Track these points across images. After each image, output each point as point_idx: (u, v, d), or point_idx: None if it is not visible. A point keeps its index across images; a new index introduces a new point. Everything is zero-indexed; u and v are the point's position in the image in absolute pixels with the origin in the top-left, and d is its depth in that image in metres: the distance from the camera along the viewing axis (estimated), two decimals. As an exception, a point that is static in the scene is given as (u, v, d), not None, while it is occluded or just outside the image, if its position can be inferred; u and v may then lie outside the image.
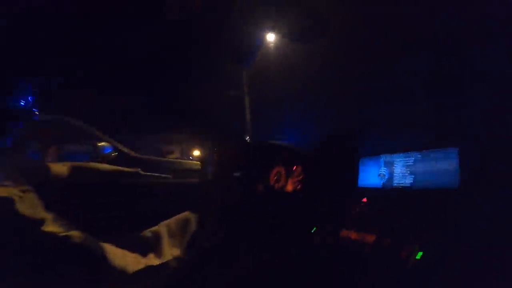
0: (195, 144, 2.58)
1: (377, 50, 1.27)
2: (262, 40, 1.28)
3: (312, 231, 1.04)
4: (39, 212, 0.99)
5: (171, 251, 1.26)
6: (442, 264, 0.79)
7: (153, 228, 1.33)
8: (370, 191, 1.14)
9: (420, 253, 0.81)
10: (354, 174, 1.19)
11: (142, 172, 1.54)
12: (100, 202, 1.36)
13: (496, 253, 0.77)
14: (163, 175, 1.60)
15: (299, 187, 1.19)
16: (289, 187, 1.20)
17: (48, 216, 1.00)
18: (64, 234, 1.02)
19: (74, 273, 0.96)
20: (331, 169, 1.19)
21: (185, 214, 1.38)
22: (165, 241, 1.28)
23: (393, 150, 1.14)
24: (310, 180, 1.15)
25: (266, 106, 1.70)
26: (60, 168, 1.31)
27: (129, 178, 1.50)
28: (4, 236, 0.93)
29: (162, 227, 1.33)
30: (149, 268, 1.13)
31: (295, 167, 1.20)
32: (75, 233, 1.04)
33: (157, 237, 1.29)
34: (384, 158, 1.18)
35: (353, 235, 0.97)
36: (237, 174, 1.27)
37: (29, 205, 0.99)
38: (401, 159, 1.11)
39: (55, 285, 0.93)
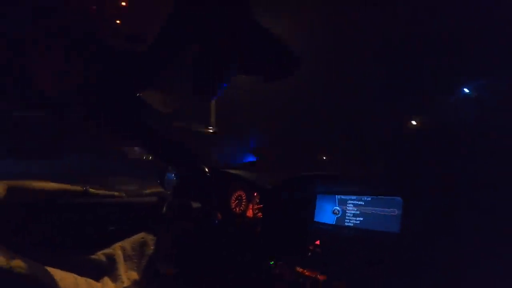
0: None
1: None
2: (230, 78, 1.37)
3: (271, 263, 1.16)
4: None
5: (127, 275, 1.25)
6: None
7: (107, 250, 1.29)
8: (325, 226, 1.34)
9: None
10: (311, 210, 1.37)
11: (93, 190, 1.46)
12: (44, 224, 1.25)
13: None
14: (116, 193, 1.53)
15: (259, 214, 1.33)
16: (250, 213, 1.33)
17: None
18: (5, 265, 0.93)
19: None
20: (289, 203, 1.34)
21: (141, 235, 1.37)
22: (121, 264, 1.26)
23: (347, 192, 1.34)
24: (270, 210, 1.28)
25: (229, 135, 1.79)
26: (-4, 187, 1.16)
27: (77, 197, 1.40)
28: None
29: (117, 250, 1.30)
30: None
31: (255, 193, 1.33)
32: (17, 263, 0.96)
33: (111, 259, 1.26)
34: (338, 197, 1.38)
35: (307, 272, 1.12)
36: (197, 200, 1.33)
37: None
38: (353, 200, 1.34)
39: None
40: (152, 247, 1.35)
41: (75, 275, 1.14)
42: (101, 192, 1.49)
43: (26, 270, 1.01)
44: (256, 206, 1.36)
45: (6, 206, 1.17)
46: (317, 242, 1.26)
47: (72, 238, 1.30)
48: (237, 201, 1.40)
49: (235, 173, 1.43)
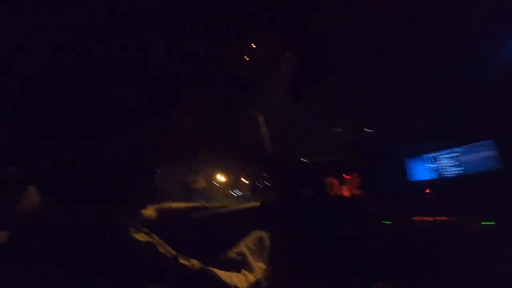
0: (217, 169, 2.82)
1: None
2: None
3: (386, 222, 1.34)
4: (169, 249, 1.22)
5: (257, 265, 1.53)
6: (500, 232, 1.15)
7: (235, 249, 1.60)
8: (428, 182, 1.51)
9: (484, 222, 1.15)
10: (404, 173, 1.54)
11: (207, 204, 1.80)
12: (186, 235, 1.58)
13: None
14: (223, 204, 1.87)
15: (356, 192, 1.54)
16: (346, 193, 1.55)
17: (174, 252, 1.24)
18: (188, 264, 1.26)
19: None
20: (381, 172, 1.53)
21: (257, 233, 1.67)
22: (250, 258, 1.55)
23: (438, 148, 1.53)
24: (366, 185, 1.49)
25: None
26: (150, 212, 1.52)
27: (199, 211, 1.75)
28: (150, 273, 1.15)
29: (243, 247, 1.60)
30: (255, 283, 1.40)
31: (347, 176, 1.56)
32: (194, 261, 1.29)
33: (242, 255, 1.56)
34: (433, 155, 1.56)
35: (425, 218, 1.28)
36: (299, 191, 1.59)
37: (159, 245, 1.22)
38: (445, 154, 1.51)
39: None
40: (267, 241, 1.63)
41: (225, 271, 1.46)
42: (215, 205, 1.84)
43: (200, 267, 1.33)
44: (350, 186, 1.57)
45: (158, 226, 1.53)
46: (427, 191, 1.42)
47: (207, 243, 1.63)
48: (332, 186, 1.63)
49: (321, 162, 1.67)
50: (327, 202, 1.59)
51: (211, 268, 1.37)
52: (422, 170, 1.64)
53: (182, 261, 1.23)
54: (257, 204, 1.85)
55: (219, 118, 1.60)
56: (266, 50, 1.26)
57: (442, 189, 1.52)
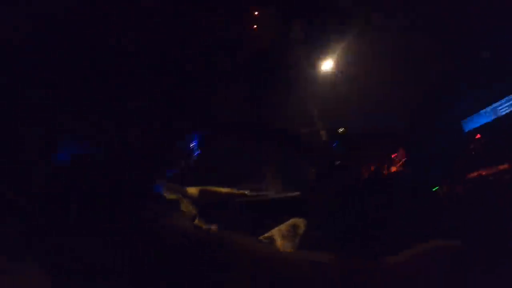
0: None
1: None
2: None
3: (435, 189, 1.08)
4: (192, 210, 1.32)
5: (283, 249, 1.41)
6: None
7: (267, 234, 1.53)
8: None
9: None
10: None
11: (248, 193, 1.83)
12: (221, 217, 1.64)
13: None
14: (264, 193, 1.86)
15: (400, 168, 1.28)
16: (393, 169, 1.30)
17: (195, 213, 1.32)
18: (206, 227, 1.30)
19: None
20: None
21: (293, 220, 1.56)
22: (278, 241, 1.46)
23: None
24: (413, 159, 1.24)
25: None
26: (193, 191, 1.69)
27: (240, 197, 1.79)
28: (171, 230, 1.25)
29: (274, 232, 1.52)
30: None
31: (394, 154, 1.32)
32: (213, 227, 1.32)
33: (271, 240, 1.48)
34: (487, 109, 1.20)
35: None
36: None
37: (185, 206, 1.33)
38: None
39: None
40: (302, 228, 1.49)
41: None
42: (255, 193, 1.85)
43: (218, 232, 1.35)
44: (396, 164, 1.32)
45: (198, 204, 1.67)
46: (478, 136, 1.08)
47: (241, 226, 1.63)
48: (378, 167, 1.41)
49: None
50: (369, 185, 1.36)
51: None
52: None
53: (196, 222, 1.30)
54: (297, 194, 1.74)
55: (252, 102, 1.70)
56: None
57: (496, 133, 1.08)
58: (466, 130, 1.19)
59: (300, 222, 1.53)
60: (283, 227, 1.55)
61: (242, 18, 1.32)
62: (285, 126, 1.89)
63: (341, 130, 1.46)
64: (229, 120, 1.95)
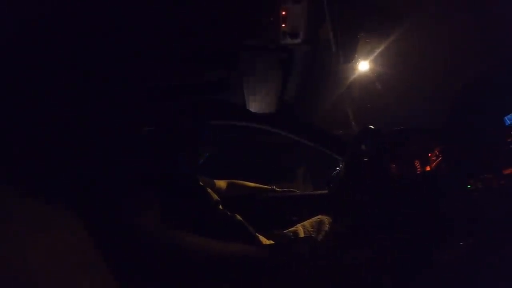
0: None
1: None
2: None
3: (468, 186, 1.00)
4: (215, 197, 1.37)
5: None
6: None
7: (292, 229, 1.54)
8: None
9: None
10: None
11: (277, 189, 1.85)
12: (250, 210, 1.68)
13: None
14: (292, 190, 1.86)
15: (437, 166, 1.20)
16: (428, 168, 1.23)
17: (219, 200, 1.38)
18: (230, 214, 1.35)
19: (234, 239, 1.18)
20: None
21: (318, 216, 1.54)
22: (302, 235, 1.45)
23: None
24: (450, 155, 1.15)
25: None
26: (221, 183, 1.76)
27: (267, 192, 1.82)
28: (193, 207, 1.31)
29: (299, 227, 1.52)
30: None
31: (429, 153, 1.24)
32: (237, 216, 1.36)
33: (295, 234, 1.48)
34: None
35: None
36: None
37: (211, 192, 1.39)
38: None
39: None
40: (327, 225, 1.46)
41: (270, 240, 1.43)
42: (282, 189, 1.86)
43: (242, 220, 1.38)
44: (432, 164, 1.22)
45: (226, 197, 1.72)
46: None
47: (267, 220, 1.65)
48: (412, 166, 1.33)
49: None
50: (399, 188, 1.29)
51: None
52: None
53: (221, 208, 1.35)
54: (324, 192, 1.71)
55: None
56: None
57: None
58: (507, 126, 1.05)
59: (325, 218, 1.51)
60: (307, 222, 1.54)
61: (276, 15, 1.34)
62: (319, 126, 1.88)
63: (372, 127, 1.40)
64: (264, 120, 2.00)
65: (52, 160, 0.88)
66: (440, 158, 1.22)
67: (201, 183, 1.41)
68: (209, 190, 1.37)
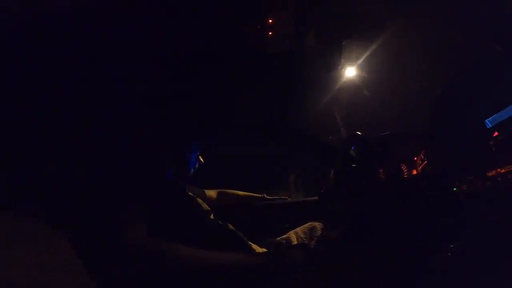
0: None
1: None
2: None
3: (454, 189, 1.02)
4: (206, 206, 1.36)
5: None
6: None
7: (284, 236, 1.53)
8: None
9: None
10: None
11: (267, 196, 1.85)
12: (242, 218, 1.67)
13: None
14: (283, 197, 1.86)
15: (423, 169, 1.23)
16: (414, 172, 1.25)
17: (209, 209, 1.37)
18: (222, 223, 1.33)
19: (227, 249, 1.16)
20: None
21: (309, 223, 1.54)
22: (295, 242, 1.44)
23: None
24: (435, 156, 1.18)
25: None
26: (212, 193, 1.74)
27: (258, 200, 1.82)
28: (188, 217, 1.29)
29: (291, 235, 1.51)
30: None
31: (414, 157, 1.26)
32: (229, 225, 1.35)
33: (288, 241, 1.47)
34: None
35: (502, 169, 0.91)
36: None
37: (201, 202, 1.38)
38: None
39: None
40: (319, 231, 1.46)
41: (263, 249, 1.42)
42: (273, 197, 1.85)
43: (234, 229, 1.37)
44: (418, 167, 1.25)
45: (217, 206, 1.70)
46: (495, 134, 0.98)
47: (259, 228, 1.64)
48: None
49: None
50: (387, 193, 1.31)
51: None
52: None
53: (212, 217, 1.34)
54: (315, 198, 1.72)
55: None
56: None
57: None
58: (488, 128, 1.10)
59: (317, 224, 1.51)
60: (300, 229, 1.53)
61: (264, 23, 1.36)
62: (308, 133, 1.91)
63: (359, 133, 1.42)
64: (253, 127, 2.00)
65: (38, 174, 0.86)
66: (426, 162, 1.26)
67: (190, 193, 1.40)
68: (199, 200, 1.35)
